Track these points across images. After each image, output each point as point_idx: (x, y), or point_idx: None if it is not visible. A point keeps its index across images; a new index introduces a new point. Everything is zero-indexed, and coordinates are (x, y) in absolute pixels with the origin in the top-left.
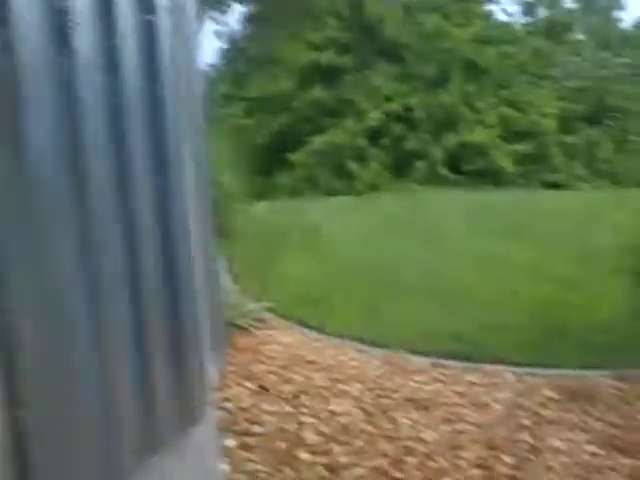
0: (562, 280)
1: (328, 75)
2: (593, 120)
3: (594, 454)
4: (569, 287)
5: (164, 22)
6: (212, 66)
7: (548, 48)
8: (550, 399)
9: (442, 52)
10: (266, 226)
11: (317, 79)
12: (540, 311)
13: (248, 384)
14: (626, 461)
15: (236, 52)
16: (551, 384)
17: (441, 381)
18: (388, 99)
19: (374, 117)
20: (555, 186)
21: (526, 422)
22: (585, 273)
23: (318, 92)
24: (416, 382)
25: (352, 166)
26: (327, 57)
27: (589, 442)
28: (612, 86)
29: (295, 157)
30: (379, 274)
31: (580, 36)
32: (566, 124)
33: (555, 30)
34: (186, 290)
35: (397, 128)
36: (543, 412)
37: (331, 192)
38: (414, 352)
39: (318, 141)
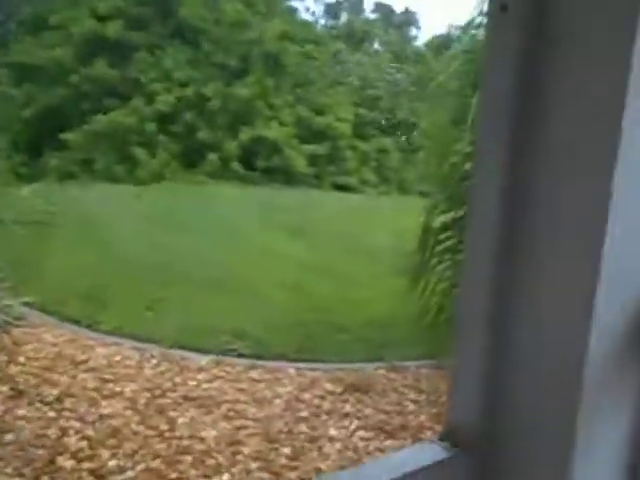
0: (345, 278)
1: (114, 50)
2: (385, 129)
3: (365, 438)
4: (351, 285)
5: None
6: None
7: (347, 54)
8: (329, 392)
9: (243, 43)
10: (31, 212)
11: (100, 53)
12: (323, 308)
13: (1, 388)
14: (391, 442)
15: (5, 9)
16: (330, 377)
17: (223, 378)
18: (182, 84)
19: (165, 101)
20: (345, 189)
21: (304, 414)
22: (366, 272)
23: (101, 67)
24: (196, 380)
25: (138, 152)
26: (114, 30)
27: (361, 428)
28: (402, 99)
29: (70, 136)
30: (160, 268)
31: (377, 47)
32: (360, 130)
33: (355, 37)
34: None
35: (189, 116)
36: (321, 404)
37: (111, 178)
38: (195, 349)
39: (100, 120)
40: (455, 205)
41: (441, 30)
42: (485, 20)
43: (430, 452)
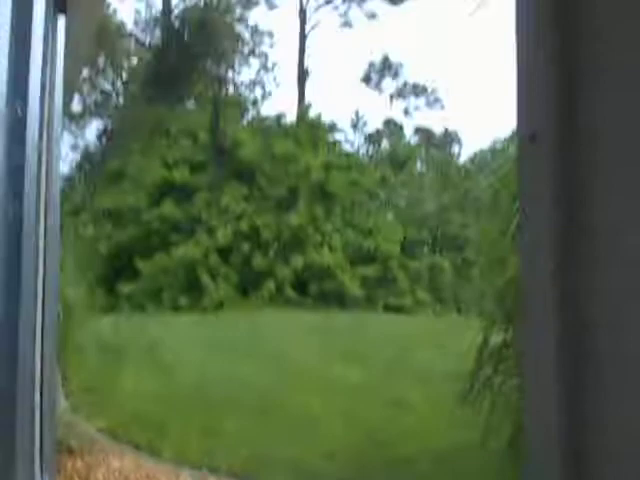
0: (402, 404)
1: (180, 192)
2: (435, 247)
3: None
4: (409, 412)
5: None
6: (66, 178)
7: (392, 178)
8: None
9: (292, 176)
10: (107, 342)
11: (168, 195)
12: (380, 437)
13: None
14: None
15: (90, 165)
16: None
17: None
18: (237, 218)
19: (223, 234)
20: (399, 310)
21: None
22: (423, 398)
23: (168, 207)
24: None
25: (202, 280)
26: (180, 175)
27: None
28: (450, 216)
29: (141, 268)
30: (218, 396)
31: (421, 168)
32: (410, 250)
33: (398, 161)
34: (23, 405)
35: (245, 247)
36: None
37: (176, 308)
38: (251, 478)
39: (168, 254)
40: (514, 321)
41: (485, 144)
42: None
43: None
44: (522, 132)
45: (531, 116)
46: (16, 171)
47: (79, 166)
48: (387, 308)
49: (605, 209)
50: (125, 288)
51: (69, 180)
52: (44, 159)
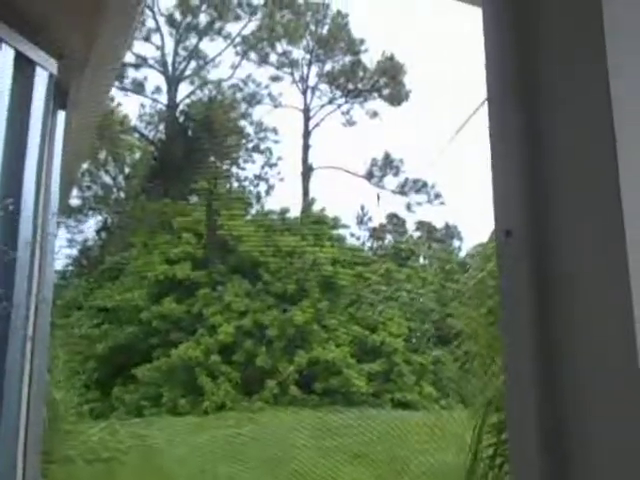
0: None
1: (182, 289)
2: (439, 341)
3: None
4: None
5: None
6: (61, 273)
7: (395, 271)
8: None
9: (297, 271)
10: (98, 450)
11: (169, 292)
12: None
13: None
14: None
15: (88, 260)
16: None
17: None
18: (241, 314)
19: (225, 331)
20: (406, 405)
21: None
22: None
23: (169, 304)
24: None
25: (203, 383)
26: (182, 272)
27: None
28: (452, 309)
29: (139, 372)
30: None
31: (423, 261)
32: (414, 344)
33: (401, 255)
34: None
35: (248, 344)
36: None
37: (175, 411)
38: None
39: (167, 355)
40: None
41: (484, 238)
42: None
43: None
44: (498, 228)
45: (506, 214)
46: (7, 268)
47: (76, 261)
48: (394, 403)
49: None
50: (122, 393)
51: (64, 277)
52: (37, 256)
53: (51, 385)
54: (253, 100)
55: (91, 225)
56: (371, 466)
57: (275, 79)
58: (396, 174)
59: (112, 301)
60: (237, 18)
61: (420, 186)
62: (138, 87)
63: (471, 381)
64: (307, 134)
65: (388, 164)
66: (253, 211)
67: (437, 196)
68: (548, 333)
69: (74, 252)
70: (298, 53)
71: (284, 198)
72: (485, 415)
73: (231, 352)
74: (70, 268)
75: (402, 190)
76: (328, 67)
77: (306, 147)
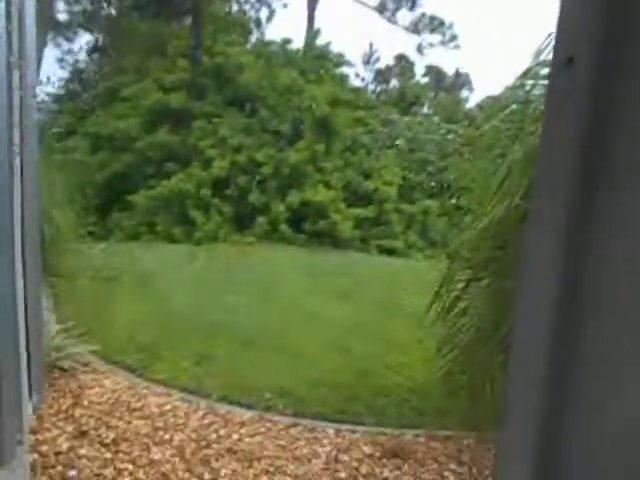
0: (389, 342)
1: (176, 118)
2: (433, 193)
3: None
4: (394, 349)
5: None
6: (53, 96)
7: (397, 118)
8: (367, 455)
9: (295, 109)
10: (99, 268)
11: (164, 121)
12: (366, 371)
13: (67, 428)
14: None
15: (80, 83)
16: (369, 441)
17: (264, 434)
18: (236, 150)
19: (220, 166)
20: (391, 252)
21: (342, 475)
22: (409, 337)
23: (163, 135)
24: (239, 434)
25: (195, 215)
26: (177, 100)
27: None
28: (451, 162)
29: (135, 199)
30: (209, 325)
31: (427, 110)
32: (407, 193)
33: (406, 101)
34: (6, 326)
35: (242, 181)
36: (359, 467)
37: (170, 239)
38: (240, 404)
39: (162, 186)
40: (476, 271)
41: (496, 91)
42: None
43: None
44: (559, 55)
45: (571, 38)
46: None
47: (68, 84)
48: (380, 249)
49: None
50: (119, 219)
51: (58, 100)
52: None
53: (50, 205)
54: None
55: (82, 46)
56: (356, 305)
57: None
58: (412, 8)
59: (107, 128)
60: None
61: (436, 25)
62: None
63: (458, 235)
64: None
65: None
66: (253, 39)
67: (453, 38)
68: (592, 191)
69: (66, 74)
70: None
71: (286, 27)
72: (457, 263)
73: (224, 187)
74: (62, 92)
75: (415, 28)
76: None
77: None
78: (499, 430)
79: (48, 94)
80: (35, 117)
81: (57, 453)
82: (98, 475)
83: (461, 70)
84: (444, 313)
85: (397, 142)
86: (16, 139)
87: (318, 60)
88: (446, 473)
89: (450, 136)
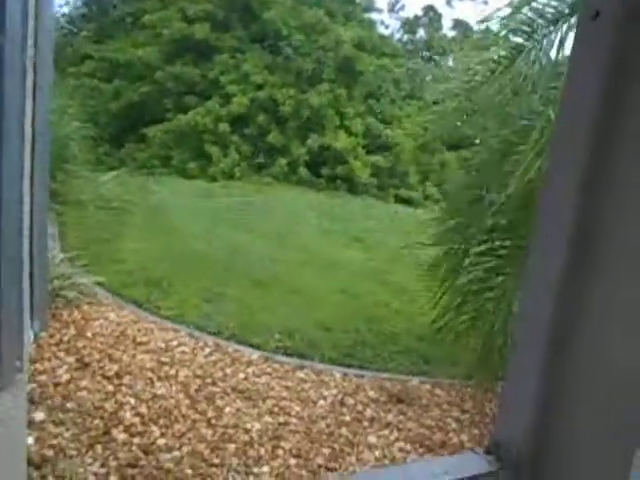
0: (400, 289)
1: (198, 51)
2: (452, 145)
3: (404, 450)
4: (405, 296)
5: None
6: (67, 16)
7: (422, 69)
8: (372, 399)
9: (320, 49)
10: (109, 198)
11: (185, 53)
12: (375, 316)
13: (68, 358)
14: (429, 457)
15: (98, 5)
16: (375, 386)
17: (271, 374)
18: (257, 87)
19: (239, 102)
20: (408, 202)
21: (347, 418)
22: (420, 285)
23: (184, 66)
24: (245, 373)
25: (212, 151)
26: (201, 32)
27: (401, 439)
28: (471, 115)
29: (150, 132)
30: (221, 263)
31: (452, 64)
32: (425, 144)
33: (430, 53)
34: (8, 247)
35: (262, 119)
36: (364, 411)
37: (185, 174)
38: (247, 344)
39: (178, 119)
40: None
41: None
42: None
43: (474, 463)
44: (586, 7)
45: None
46: None
47: (85, 5)
48: (396, 199)
49: None
50: (132, 150)
51: (73, 22)
52: None
53: (60, 130)
54: None
55: None
56: (369, 251)
57: None
58: None
59: (124, 54)
60: None
61: None
62: None
63: (473, 188)
64: None
65: None
66: None
67: None
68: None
69: None
70: None
71: None
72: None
73: (243, 124)
74: (80, 12)
75: None
76: None
77: None
78: (503, 379)
79: (63, 15)
80: (52, 38)
81: (56, 384)
82: (98, 408)
83: (489, 26)
84: (455, 264)
85: (420, 94)
86: (30, 54)
87: (346, 3)
88: (448, 420)
89: (472, 95)
